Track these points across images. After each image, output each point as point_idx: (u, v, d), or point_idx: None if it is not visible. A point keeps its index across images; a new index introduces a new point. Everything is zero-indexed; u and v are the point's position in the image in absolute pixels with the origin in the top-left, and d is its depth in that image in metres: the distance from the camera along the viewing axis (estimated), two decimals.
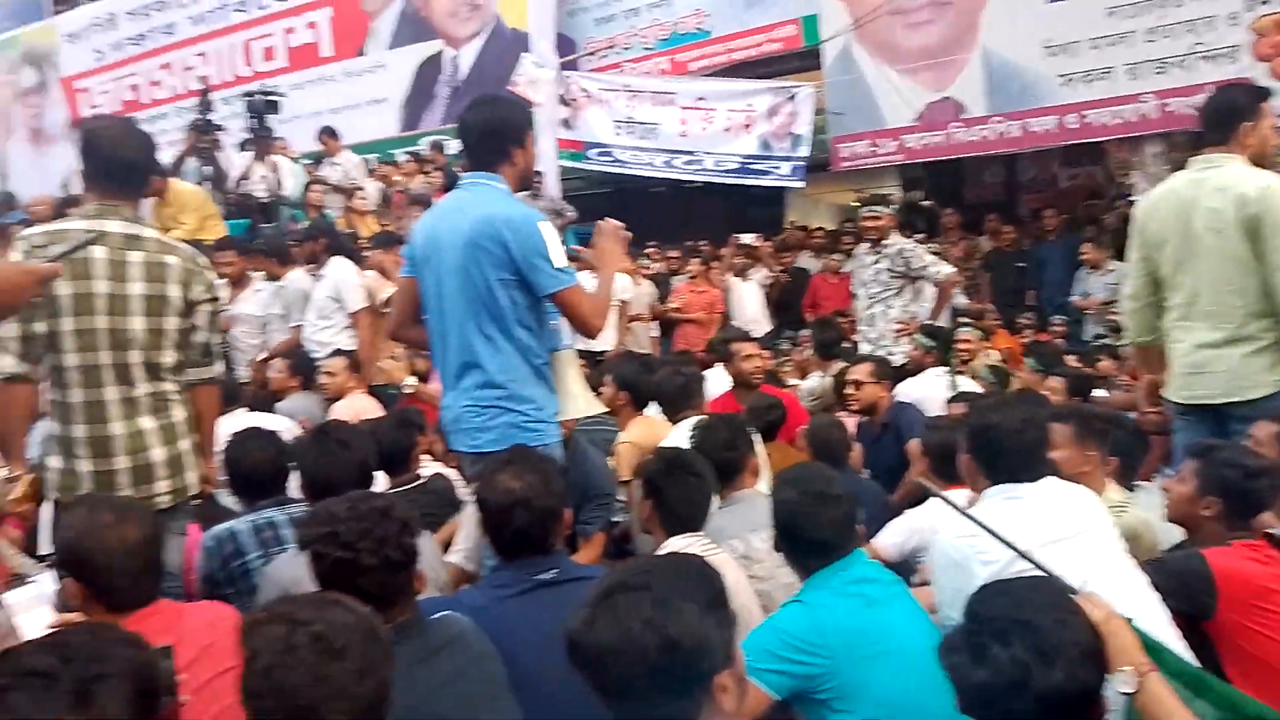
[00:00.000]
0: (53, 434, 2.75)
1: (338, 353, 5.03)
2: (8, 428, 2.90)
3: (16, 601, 2.36)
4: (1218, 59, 7.11)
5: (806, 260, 9.41)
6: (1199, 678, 1.73)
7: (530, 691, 2.03)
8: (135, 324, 2.70)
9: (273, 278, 6.07)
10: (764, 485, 3.40)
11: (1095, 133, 7.77)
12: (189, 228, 6.48)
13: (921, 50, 8.45)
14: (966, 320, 5.94)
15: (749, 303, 8.56)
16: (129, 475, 2.72)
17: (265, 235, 7.12)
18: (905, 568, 3.02)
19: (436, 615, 2.04)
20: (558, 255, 2.72)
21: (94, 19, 13.99)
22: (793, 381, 5.99)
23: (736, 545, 2.78)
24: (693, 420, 3.43)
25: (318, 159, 9.28)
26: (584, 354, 4.58)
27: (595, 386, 3.88)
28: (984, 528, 1.91)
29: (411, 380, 4.85)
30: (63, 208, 6.86)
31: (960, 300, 7.21)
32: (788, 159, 8.81)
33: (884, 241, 5.62)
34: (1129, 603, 1.79)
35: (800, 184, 9.12)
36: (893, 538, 3.21)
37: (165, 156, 6.91)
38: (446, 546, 3.28)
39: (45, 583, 2.55)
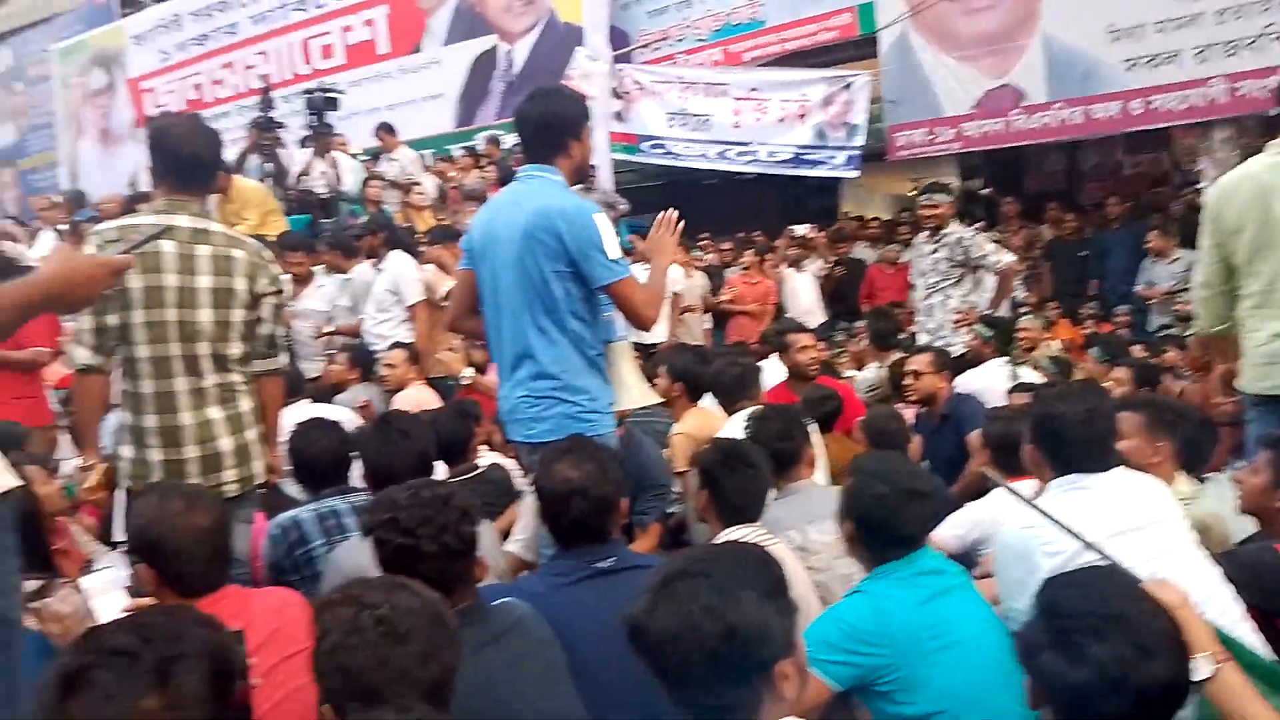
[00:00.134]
0: (125, 424, 2.83)
1: (397, 345, 5.11)
2: (82, 418, 3.01)
3: (92, 586, 2.44)
4: None
5: (862, 251, 9.31)
6: (1274, 672, 1.69)
7: (588, 678, 2.04)
8: (203, 316, 2.77)
9: (339, 272, 6.23)
10: (820, 476, 3.39)
11: (1161, 118, 7.58)
12: (251, 223, 6.62)
13: (980, 36, 8.31)
14: (1027, 310, 5.82)
15: (803, 294, 8.50)
16: (198, 464, 2.79)
17: (329, 230, 7.25)
18: (966, 560, 2.98)
19: (497, 602, 2.06)
20: (612, 247, 2.73)
21: (159, 20, 14.35)
22: (849, 373, 5.94)
23: (793, 536, 2.77)
24: (748, 411, 3.42)
25: (376, 155, 9.41)
26: (636, 346, 4.58)
27: (649, 378, 3.89)
28: (1050, 519, 1.88)
29: (469, 371, 4.90)
30: (131, 205, 7.05)
31: (1018, 293, 7.07)
32: (843, 149, 8.72)
33: (943, 230, 5.51)
34: (1202, 595, 1.74)
35: (855, 174, 9.03)
36: (954, 530, 3.17)
37: (228, 154, 7.04)
38: (505, 536, 3.31)
39: (118, 568, 2.63)
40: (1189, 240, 6.74)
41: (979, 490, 3.44)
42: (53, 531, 3.06)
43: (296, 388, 4.44)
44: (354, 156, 9.02)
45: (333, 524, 2.92)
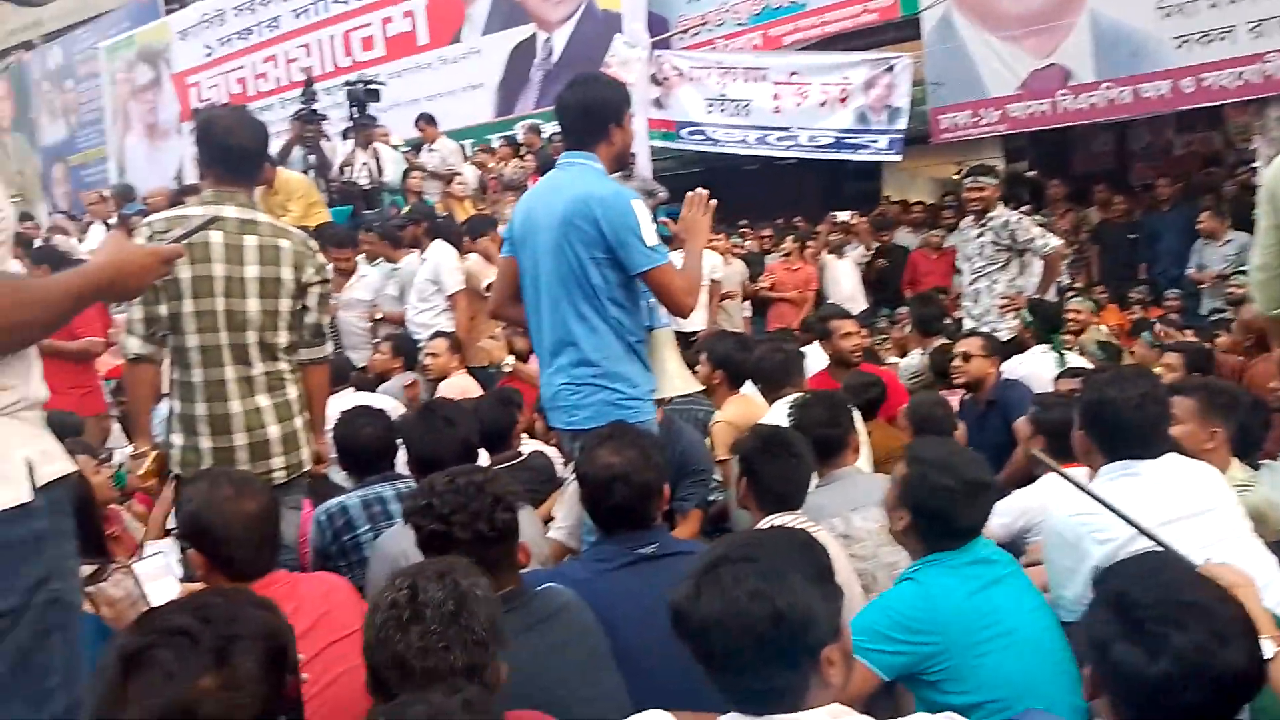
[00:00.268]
0: (175, 412, 2.88)
1: (438, 334, 5.15)
2: (134, 407, 3.07)
3: (145, 571, 2.49)
4: None
5: (904, 236, 9.18)
6: None
7: (630, 664, 2.05)
8: (251, 305, 2.81)
9: (388, 261, 6.38)
10: (864, 464, 3.36)
11: (1214, 96, 7.36)
12: (295, 214, 6.69)
13: (1025, 16, 8.14)
14: (1073, 294, 5.71)
15: (845, 280, 8.43)
16: (247, 451, 2.83)
17: (377, 222, 7.33)
18: (1012, 548, 2.93)
19: (540, 587, 2.07)
20: (649, 234, 2.72)
21: (204, 15, 14.54)
22: (891, 359, 5.88)
23: (837, 524, 2.75)
24: (791, 398, 3.39)
25: (416, 146, 9.46)
26: (676, 334, 4.58)
27: (690, 365, 3.88)
28: (1104, 504, 1.84)
29: (510, 359, 4.92)
30: (179, 198, 7.16)
31: (1064, 278, 6.93)
32: (885, 132, 8.60)
33: (988, 214, 5.42)
34: (1260, 583, 1.70)
35: (897, 158, 8.90)
36: (1001, 518, 3.11)
37: (272, 146, 7.13)
38: (547, 522, 3.33)
39: (169, 553, 2.68)
40: (1242, 222, 6.57)
41: (1026, 477, 3.39)
42: (104, 519, 3.13)
43: (342, 376, 4.49)
44: (395, 148, 9.08)
45: (378, 510, 2.95)
